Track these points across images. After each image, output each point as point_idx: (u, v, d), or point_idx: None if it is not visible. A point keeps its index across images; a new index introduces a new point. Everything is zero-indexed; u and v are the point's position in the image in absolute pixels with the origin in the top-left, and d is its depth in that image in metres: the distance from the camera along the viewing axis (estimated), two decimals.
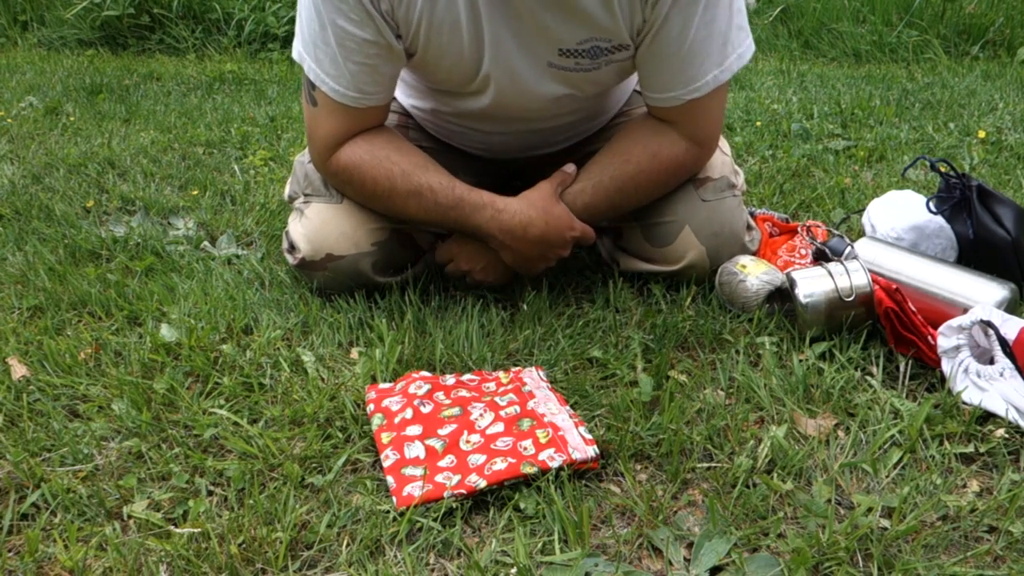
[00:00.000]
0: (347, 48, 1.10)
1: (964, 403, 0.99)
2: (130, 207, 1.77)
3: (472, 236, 1.22)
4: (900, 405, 1.00)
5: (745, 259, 1.25)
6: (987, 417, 0.98)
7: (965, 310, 1.08)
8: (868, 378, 1.07)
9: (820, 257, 1.31)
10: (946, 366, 1.03)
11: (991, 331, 1.03)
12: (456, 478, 0.87)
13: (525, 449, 0.90)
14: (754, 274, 1.22)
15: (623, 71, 1.20)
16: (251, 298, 1.29)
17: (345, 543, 0.82)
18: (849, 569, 0.77)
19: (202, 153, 2.19)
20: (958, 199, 1.32)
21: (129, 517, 0.86)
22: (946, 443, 0.94)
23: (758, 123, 2.36)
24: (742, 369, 1.08)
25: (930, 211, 1.33)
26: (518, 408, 0.98)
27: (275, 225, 1.62)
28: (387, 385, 1.05)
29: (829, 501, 0.85)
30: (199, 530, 0.82)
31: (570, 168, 1.23)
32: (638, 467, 0.93)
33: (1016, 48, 3.43)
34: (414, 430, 0.95)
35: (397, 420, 0.97)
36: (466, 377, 1.07)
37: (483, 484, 0.86)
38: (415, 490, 0.86)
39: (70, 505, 0.87)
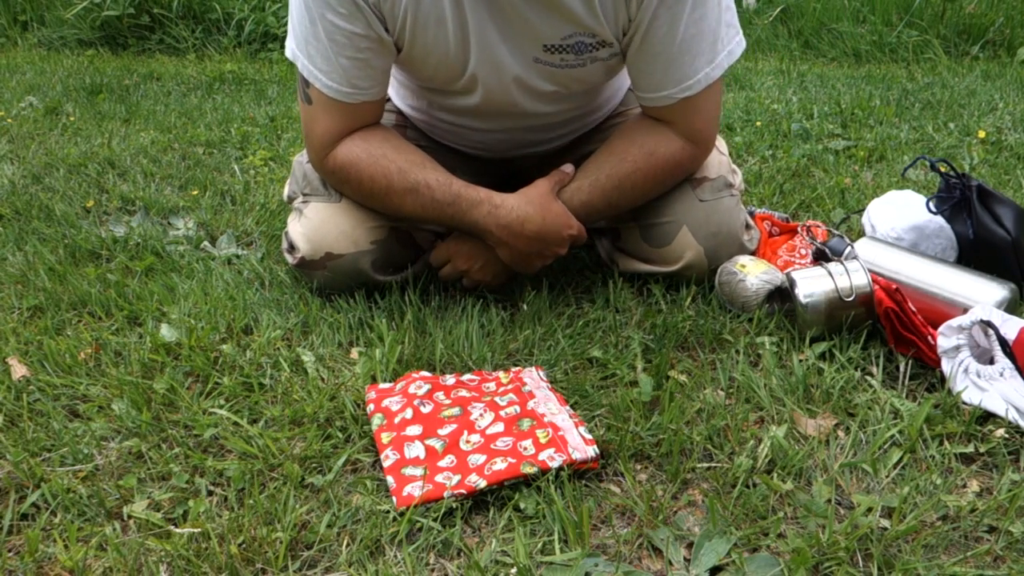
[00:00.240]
0: (338, 43, 1.11)
1: (964, 403, 0.99)
2: (130, 207, 1.77)
3: (469, 233, 1.23)
4: (900, 405, 1.00)
5: (745, 259, 1.25)
6: (987, 417, 0.98)
7: (965, 310, 1.08)
8: (868, 378, 1.07)
9: (820, 257, 1.31)
10: (946, 366, 1.03)
11: (991, 331, 1.03)
12: (456, 478, 0.87)
13: (525, 449, 0.90)
14: (754, 274, 1.22)
15: (609, 69, 1.20)
16: (251, 298, 1.29)
17: (345, 543, 0.82)
18: (849, 569, 0.77)
19: (202, 153, 2.19)
20: (958, 199, 1.32)
21: (129, 517, 0.86)
22: (946, 443, 0.94)
23: (758, 123, 2.36)
24: (742, 369, 1.08)
25: (930, 211, 1.33)
26: (518, 408, 0.98)
27: (275, 225, 1.62)
28: (387, 385, 1.05)
29: (829, 501, 0.85)
30: (199, 530, 0.82)
31: (568, 168, 1.24)
32: (638, 467, 0.93)
33: (1016, 48, 3.43)
34: (414, 430, 0.95)
35: (397, 420, 0.97)
36: (466, 377, 1.07)
37: (483, 484, 0.86)
38: (415, 490, 0.86)
39: (70, 505, 0.87)
